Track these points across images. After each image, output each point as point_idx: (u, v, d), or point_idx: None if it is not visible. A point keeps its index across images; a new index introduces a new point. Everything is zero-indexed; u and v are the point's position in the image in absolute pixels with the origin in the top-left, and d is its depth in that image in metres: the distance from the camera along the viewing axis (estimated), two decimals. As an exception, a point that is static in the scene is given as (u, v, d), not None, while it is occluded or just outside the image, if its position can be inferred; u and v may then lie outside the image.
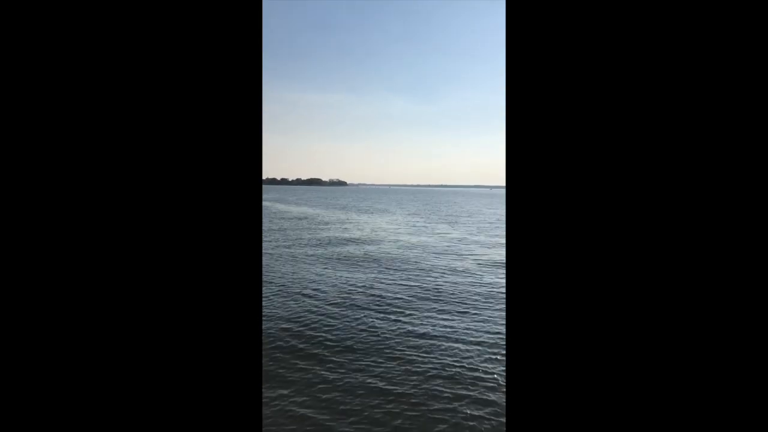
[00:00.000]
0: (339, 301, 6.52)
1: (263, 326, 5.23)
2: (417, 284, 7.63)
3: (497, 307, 6.23)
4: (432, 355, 4.51)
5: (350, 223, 20.03)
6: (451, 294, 6.94)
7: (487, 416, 3.37)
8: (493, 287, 7.48)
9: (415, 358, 4.45)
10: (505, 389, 3.64)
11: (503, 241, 13.98)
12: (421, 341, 4.89)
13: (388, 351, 4.63)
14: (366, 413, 3.41)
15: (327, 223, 19.40)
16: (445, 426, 3.25)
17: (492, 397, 3.64)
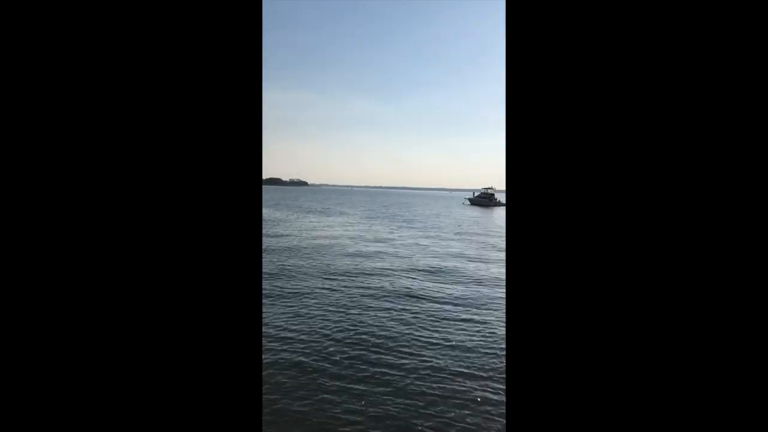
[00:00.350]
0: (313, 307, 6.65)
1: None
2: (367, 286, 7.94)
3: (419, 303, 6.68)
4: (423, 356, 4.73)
5: (316, 224, 19.99)
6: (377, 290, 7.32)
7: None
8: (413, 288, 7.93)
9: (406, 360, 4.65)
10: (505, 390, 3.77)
11: (443, 247, 14.57)
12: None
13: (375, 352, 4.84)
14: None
15: (289, 225, 19.30)
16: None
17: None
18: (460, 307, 6.78)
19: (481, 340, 5.26)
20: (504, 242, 15.03)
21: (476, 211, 37.53)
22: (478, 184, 54.36)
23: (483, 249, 13.53)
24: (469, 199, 53.03)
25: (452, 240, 15.72)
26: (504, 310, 7.43)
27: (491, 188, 51.76)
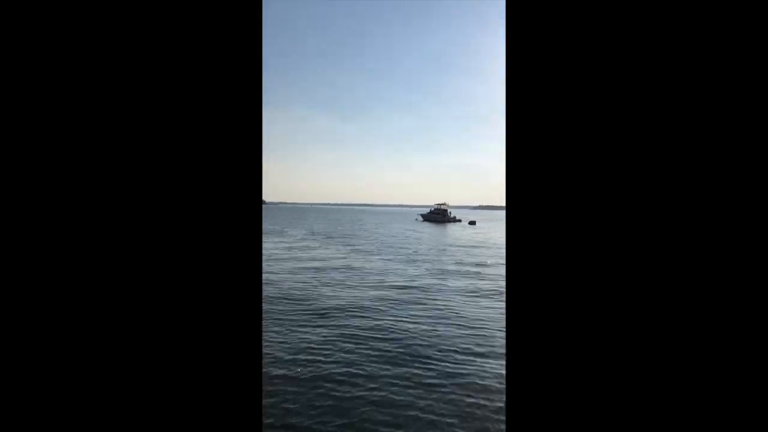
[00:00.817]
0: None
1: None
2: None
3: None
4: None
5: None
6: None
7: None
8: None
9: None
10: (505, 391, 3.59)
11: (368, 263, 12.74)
12: None
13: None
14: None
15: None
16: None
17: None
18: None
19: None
20: (445, 263, 13.57)
21: (427, 228, 36.44)
22: (437, 199, 55.96)
23: (395, 262, 11.78)
24: (422, 216, 52.99)
25: (387, 259, 13.91)
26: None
27: (444, 204, 51.98)
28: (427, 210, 54.24)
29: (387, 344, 5.56)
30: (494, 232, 32.96)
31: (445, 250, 18.21)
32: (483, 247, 20.13)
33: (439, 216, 50.24)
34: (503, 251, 17.59)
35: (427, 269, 12.38)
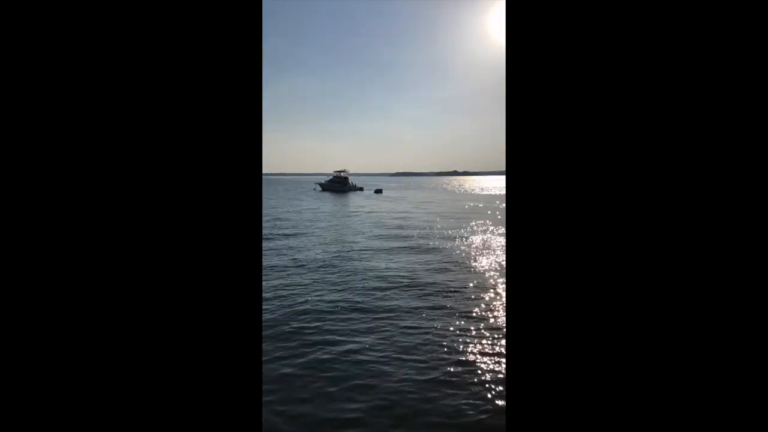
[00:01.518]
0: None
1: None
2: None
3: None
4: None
5: None
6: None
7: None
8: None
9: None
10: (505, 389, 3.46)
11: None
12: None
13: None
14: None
15: None
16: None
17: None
18: None
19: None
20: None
21: (324, 201, 29.13)
22: (353, 167, 48.13)
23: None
24: (321, 185, 45.58)
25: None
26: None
27: (344, 171, 44.99)
28: (328, 178, 46.76)
29: None
30: (399, 202, 27.04)
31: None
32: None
33: (338, 185, 43.51)
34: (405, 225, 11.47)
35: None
